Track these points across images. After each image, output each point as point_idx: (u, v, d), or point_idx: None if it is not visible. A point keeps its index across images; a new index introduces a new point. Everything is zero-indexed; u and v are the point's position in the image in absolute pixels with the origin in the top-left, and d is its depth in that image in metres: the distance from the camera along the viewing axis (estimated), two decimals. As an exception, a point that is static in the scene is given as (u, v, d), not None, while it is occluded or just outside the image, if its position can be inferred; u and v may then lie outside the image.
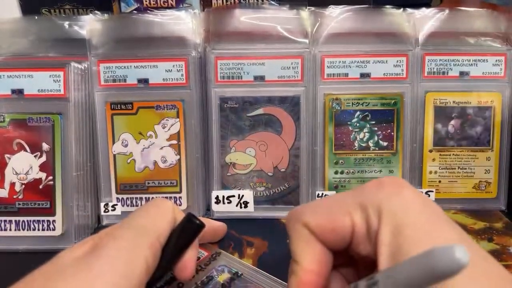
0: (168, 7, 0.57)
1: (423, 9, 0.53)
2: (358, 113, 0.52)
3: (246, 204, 0.52)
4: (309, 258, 0.26)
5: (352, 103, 0.52)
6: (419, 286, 0.19)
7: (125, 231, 0.30)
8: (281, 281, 0.38)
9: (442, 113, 0.52)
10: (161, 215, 0.32)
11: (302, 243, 0.27)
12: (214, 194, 0.52)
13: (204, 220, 0.38)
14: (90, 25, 0.51)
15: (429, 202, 0.26)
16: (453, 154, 0.53)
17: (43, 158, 0.48)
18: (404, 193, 0.26)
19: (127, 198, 0.51)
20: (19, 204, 0.48)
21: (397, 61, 0.51)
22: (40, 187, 0.48)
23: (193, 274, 0.37)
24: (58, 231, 0.47)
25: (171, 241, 0.32)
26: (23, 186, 0.48)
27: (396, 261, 0.23)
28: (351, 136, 0.52)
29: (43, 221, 0.47)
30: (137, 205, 0.51)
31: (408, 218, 0.24)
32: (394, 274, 0.21)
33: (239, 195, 0.52)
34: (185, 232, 0.33)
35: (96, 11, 0.52)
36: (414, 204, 0.25)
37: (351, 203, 0.27)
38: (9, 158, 0.48)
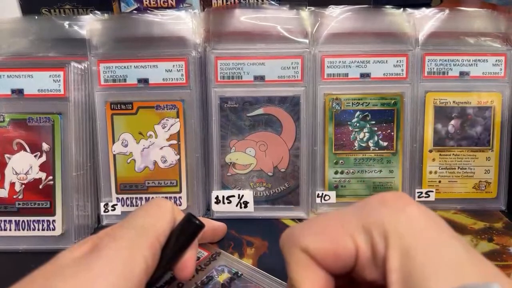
0: (168, 7, 0.57)
1: (423, 9, 0.53)
2: (358, 113, 0.52)
3: (246, 204, 0.52)
4: (310, 285, 0.25)
5: (352, 103, 0.52)
6: None
7: (125, 231, 0.30)
8: (281, 281, 0.38)
9: (442, 113, 0.52)
10: (161, 215, 0.32)
11: (302, 269, 0.25)
12: (214, 194, 0.52)
13: (204, 220, 0.38)
14: (90, 25, 0.51)
15: (434, 218, 0.25)
16: (453, 154, 0.53)
17: (43, 158, 0.48)
18: (409, 211, 0.24)
19: (127, 198, 0.51)
20: (19, 204, 0.48)
21: (397, 61, 0.51)
22: (40, 187, 0.48)
23: (193, 274, 0.37)
24: (58, 231, 0.47)
25: (171, 241, 0.32)
26: (23, 186, 0.48)
27: (408, 287, 0.21)
28: (351, 136, 0.52)
29: (43, 221, 0.47)
30: (137, 205, 0.51)
31: (416, 240, 0.23)
32: None
33: (239, 195, 0.52)
34: (184, 232, 0.33)
35: (96, 11, 0.52)
36: (420, 223, 0.24)
37: (353, 224, 0.25)
38: (9, 158, 0.48)
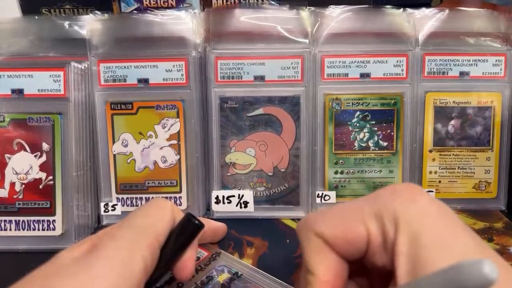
0: (168, 7, 0.57)
1: (423, 9, 0.53)
2: (358, 113, 0.52)
3: (246, 204, 0.52)
4: (324, 269, 0.26)
5: (352, 103, 0.52)
6: None
7: (124, 231, 0.30)
8: (281, 281, 0.38)
9: (442, 113, 0.52)
10: (160, 215, 0.32)
11: (316, 253, 0.26)
12: (214, 194, 0.52)
13: (204, 220, 0.38)
14: (90, 25, 0.51)
15: (445, 209, 0.25)
16: (453, 154, 0.53)
17: (43, 158, 0.48)
18: (420, 201, 0.25)
19: (127, 198, 0.51)
20: (19, 204, 0.48)
21: (397, 61, 0.51)
22: (40, 187, 0.48)
23: (193, 274, 0.37)
24: (58, 231, 0.47)
25: (170, 241, 0.32)
26: (23, 186, 0.48)
27: (414, 271, 0.22)
28: (351, 136, 0.52)
29: (43, 221, 0.47)
30: (137, 205, 0.51)
31: (425, 227, 0.23)
32: None
33: (239, 195, 0.52)
34: (184, 232, 0.33)
35: (96, 11, 0.52)
36: (431, 212, 0.25)
37: (365, 212, 0.26)
38: (9, 158, 0.48)
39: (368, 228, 0.25)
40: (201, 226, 0.33)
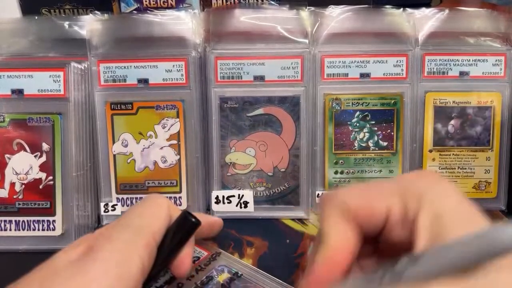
0: (168, 7, 0.57)
1: (423, 9, 0.53)
2: (358, 113, 0.52)
3: (246, 204, 0.52)
4: (339, 236, 0.26)
5: (352, 103, 0.52)
6: (474, 262, 0.19)
7: (120, 231, 0.29)
8: (281, 281, 0.38)
9: (442, 113, 0.52)
10: (157, 213, 0.32)
11: (337, 218, 0.26)
12: (214, 194, 0.52)
13: (200, 215, 0.38)
14: (90, 25, 0.51)
15: (465, 196, 0.26)
16: (453, 154, 0.53)
17: (43, 158, 0.48)
18: (444, 184, 0.26)
19: (127, 198, 0.51)
20: (19, 204, 0.48)
21: (397, 61, 0.51)
22: (40, 187, 0.48)
23: (190, 270, 0.36)
24: (58, 231, 0.47)
25: (167, 239, 0.32)
26: (23, 186, 0.48)
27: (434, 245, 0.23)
28: (351, 136, 0.52)
29: (43, 221, 0.47)
30: (137, 205, 0.51)
31: (448, 206, 0.24)
32: (441, 252, 0.20)
33: (239, 195, 0.52)
34: (180, 230, 0.33)
35: (96, 11, 0.52)
36: (454, 194, 0.25)
37: (390, 189, 0.27)
38: (9, 158, 0.48)
39: (389, 204, 0.26)
40: (197, 223, 0.33)
